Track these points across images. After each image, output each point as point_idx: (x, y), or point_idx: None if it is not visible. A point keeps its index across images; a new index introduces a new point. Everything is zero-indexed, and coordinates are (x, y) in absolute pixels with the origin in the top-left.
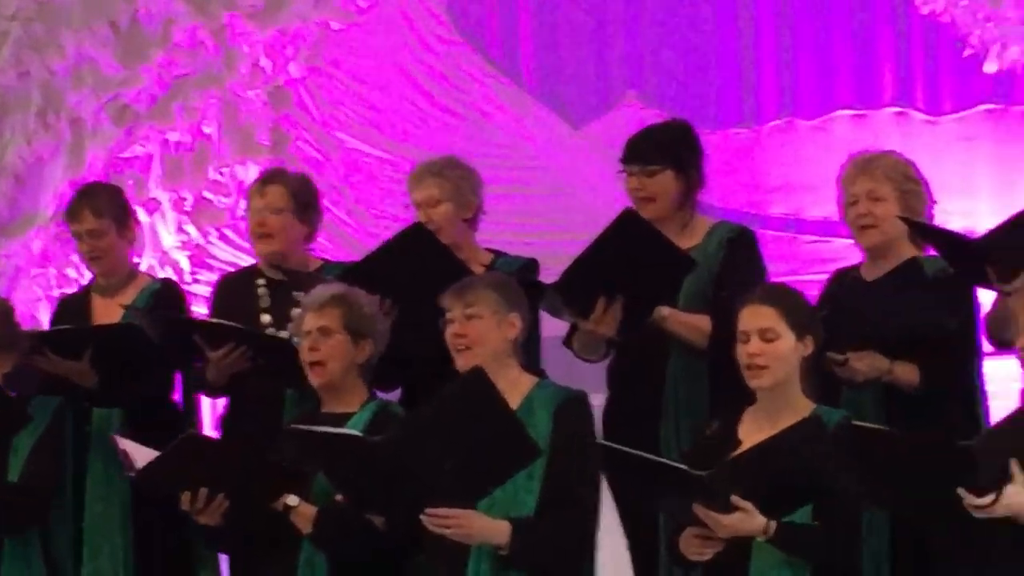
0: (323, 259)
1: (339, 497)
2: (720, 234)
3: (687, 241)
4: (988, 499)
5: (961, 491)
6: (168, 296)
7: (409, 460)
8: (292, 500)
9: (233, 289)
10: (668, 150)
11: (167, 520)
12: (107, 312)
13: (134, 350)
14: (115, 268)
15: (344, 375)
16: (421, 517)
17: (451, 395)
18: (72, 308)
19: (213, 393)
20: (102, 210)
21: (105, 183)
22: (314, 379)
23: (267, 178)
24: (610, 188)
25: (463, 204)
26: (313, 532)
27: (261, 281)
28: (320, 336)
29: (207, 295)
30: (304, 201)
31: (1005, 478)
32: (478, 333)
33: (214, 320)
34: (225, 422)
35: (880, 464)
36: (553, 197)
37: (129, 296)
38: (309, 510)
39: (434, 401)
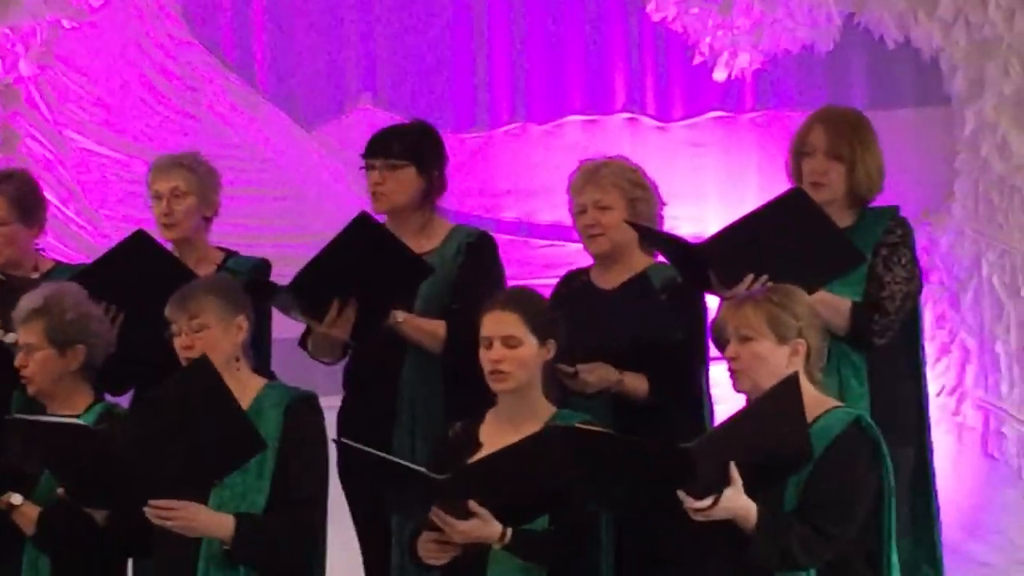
0: (55, 260)
1: (60, 491)
2: (459, 238)
3: (426, 244)
4: (707, 502)
5: (681, 494)
6: None
7: (131, 449)
8: (16, 499)
9: None
10: (412, 147)
11: None
12: None
13: None
14: None
15: (56, 384)
16: (145, 510)
17: (175, 384)
18: None
19: None
20: None
21: None
22: (29, 390)
23: None
24: (343, 191)
25: (206, 201)
26: (36, 533)
27: None
28: (27, 351)
29: None
30: (27, 206)
31: (724, 481)
32: (206, 343)
33: None
34: None
35: (603, 467)
36: (286, 199)
37: None
38: (32, 510)
39: (158, 390)
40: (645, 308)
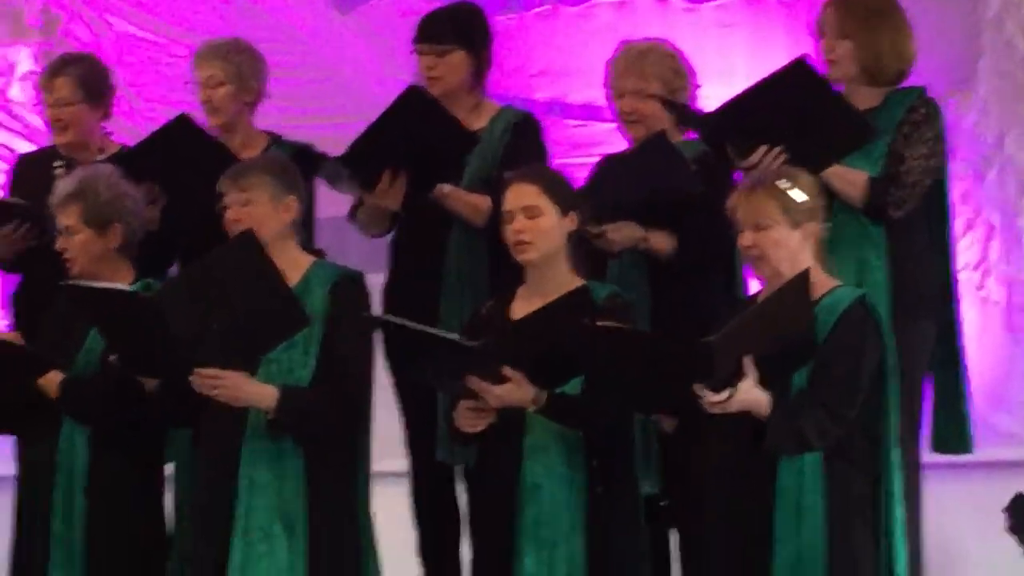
0: (121, 144)
1: (111, 357)
2: (506, 118)
3: (474, 123)
4: (724, 395)
5: (697, 387)
6: None
7: (177, 317)
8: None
9: (31, 168)
10: (460, 30)
11: None
12: None
13: None
14: None
15: (98, 264)
16: (191, 378)
17: (220, 255)
18: None
19: (5, 269)
20: None
21: None
22: (71, 271)
23: (54, 69)
24: (378, 73)
25: (244, 88)
26: (60, 397)
27: (59, 163)
28: (67, 234)
29: None
30: (94, 88)
31: (738, 374)
32: (255, 218)
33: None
34: (15, 299)
35: (621, 360)
36: (321, 81)
37: None
38: (56, 376)
39: (203, 260)
40: (664, 163)
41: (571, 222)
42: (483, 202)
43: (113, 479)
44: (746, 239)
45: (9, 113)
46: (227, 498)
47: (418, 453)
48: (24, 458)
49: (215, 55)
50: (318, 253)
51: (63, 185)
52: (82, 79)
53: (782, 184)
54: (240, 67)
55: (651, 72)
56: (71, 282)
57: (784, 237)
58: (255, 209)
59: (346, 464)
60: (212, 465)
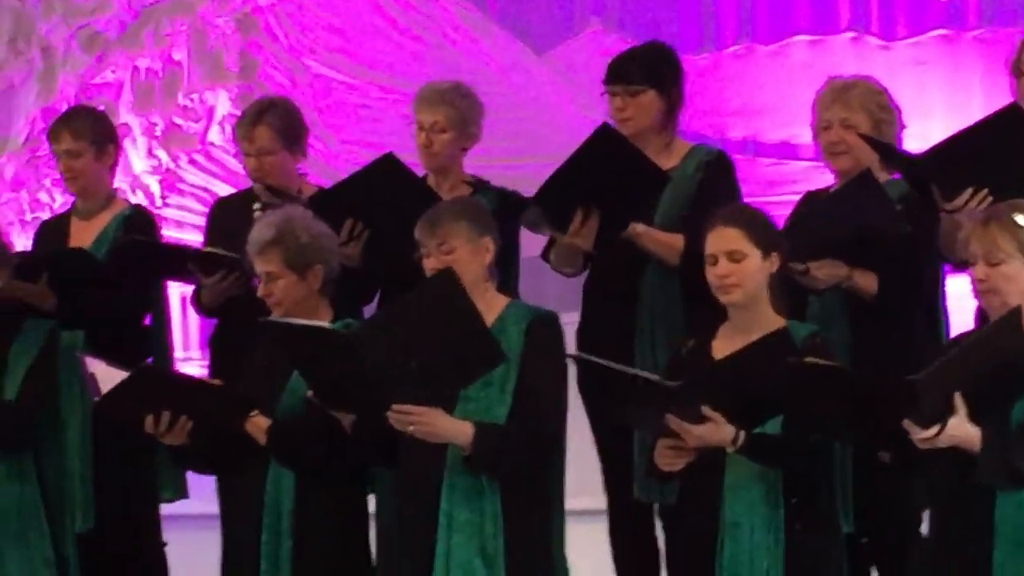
0: (318, 186)
1: (309, 393)
2: (698, 156)
3: (666, 162)
4: (933, 431)
5: (907, 423)
6: (138, 222)
7: (375, 353)
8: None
9: (229, 211)
10: (651, 70)
11: (131, 438)
12: (83, 235)
13: (91, 273)
14: (92, 191)
15: (302, 306)
16: (388, 414)
17: (421, 293)
18: (51, 231)
19: (207, 315)
20: (81, 132)
21: (91, 108)
22: (275, 313)
23: (252, 119)
24: (572, 113)
25: (464, 133)
26: (269, 442)
27: (257, 205)
28: (269, 280)
29: (177, 219)
30: (291, 134)
31: (948, 410)
32: (456, 265)
33: (207, 249)
34: (213, 343)
35: (826, 398)
36: (516, 122)
37: (104, 221)
38: (263, 421)
39: (404, 298)
40: (870, 202)
41: (773, 263)
42: (676, 241)
43: (319, 518)
44: (978, 272)
45: (208, 156)
46: (428, 534)
47: (615, 491)
48: (230, 498)
49: (440, 100)
50: (511, 294)
51: (259, 232)
52: (280, 127)
53: (1018, 219)
54: (463, 113)
55: (857, 104)
56: (270, 319)
57: (1016, 272)
58: (455, 257)
59: (542, 501)
60: (412, 501)
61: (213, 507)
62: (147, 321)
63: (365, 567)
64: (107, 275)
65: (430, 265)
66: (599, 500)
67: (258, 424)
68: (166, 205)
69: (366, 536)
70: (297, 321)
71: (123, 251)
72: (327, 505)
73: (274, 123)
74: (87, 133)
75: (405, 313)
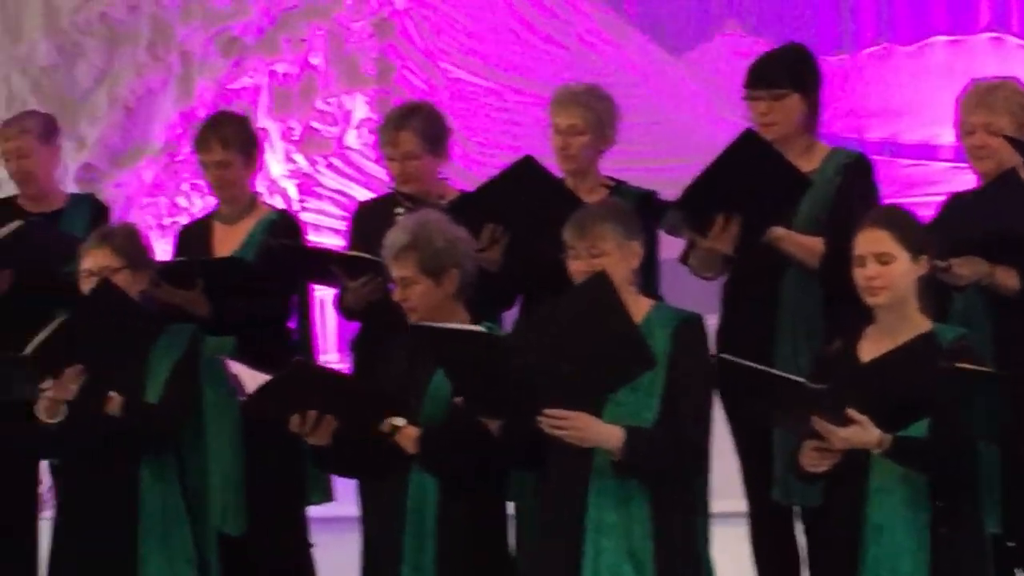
0: (460, 190)
1: (457, 400)
2: (837, 159)
3: (806, 165)
4: None
5: None
6: (285, 226)
7: (527, 358)
8: (399, 421)
9: (372, 215)
10: (793, 74)
11: (280, 443)
12: (227, 240)
13: (244, 279)
14: (238, 197)
15: (438, 311)
16: (538, 418)
17: (572, 297)
18: (194, 236)
19: (350, 318)
20: (230, 141)
21: (236, 114)
22: (411, 319)
23: (397, 123)
24: (709, 115)
25: (601, 136)
26: (418, 452)
27: (400, 209)
28: (404, 285)
29: (315, 222)
30: (434, 138)
31: None
32: (605, 268)
33: (352, 253)
34: (356, 345)
35: (980, 401)
36: (653, 124)
37: (248, 225)
38: (413, 431)
39: (555, 302)
40: (1013, 201)
41: (922, 266)
42: (817, 244)
43: (462, 522)
44: None
45: (345, 160)
46: (575, 539)
47: (755, 493)
48: (371, 501)
49: (576, 103)
50: (656, 297)
51: (394, 237)
52: (424, 132)
53: None
54: (600, 115)
55: (1001, 107)
56: (420, 323)
57: None
58: (604, 260)
59: (689, 504)
60: (558, 506)
61: (351, 510)
62: (292, 324)
63: (507, 571)
64: (259, 281)
65: (577, 268)
66: (739, 503)
67: (408, 434)
68: (303, 209)
69: (506, 540)
70: (448, 325)
71: (271, 255)
72: (470, 509)
73: (418, 127)
74: (235, 142)
75: (557, 317)
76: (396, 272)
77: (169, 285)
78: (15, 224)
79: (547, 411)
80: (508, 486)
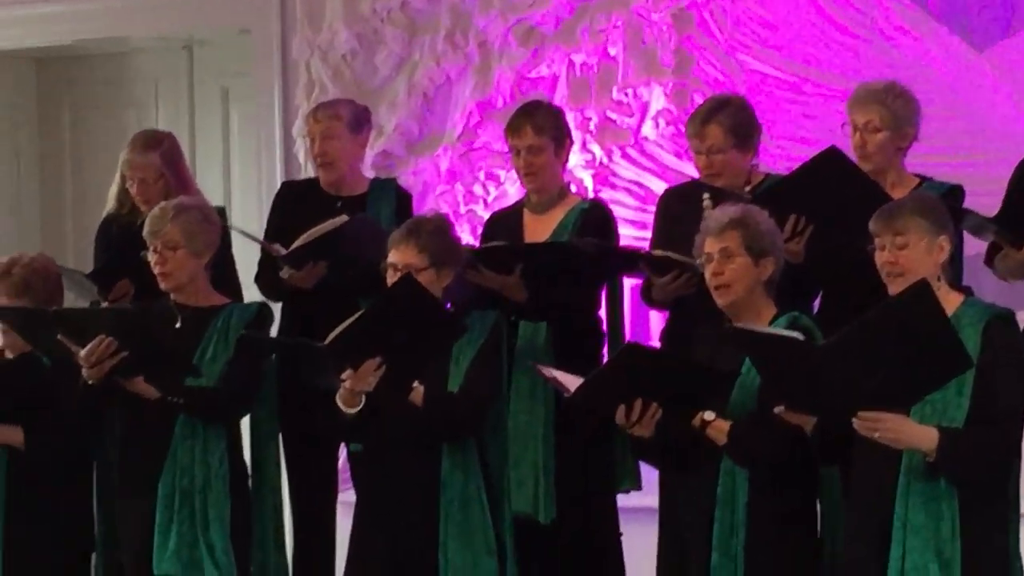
0: (766, 174)
1: (778, 409)
2: None
3: None
4: None
5: None
6: (597, 216)
7: (844, 365)
8: (708, 415)
9: (679, 199)
10: None
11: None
12: (538, 229)
13: (564, 267)
14: (548, 186)
15: (749, 294)
16: (853, 420)
17: (894, 306)
18: (504, 223)
19: (658, 308)
20: (543, 127)
21: (548, 103)
22: (720, 300)
23: (704, 117)
24: (1013, 110)
25: (899, 134)
26: (728, 444)
27: (707, 195)
28: (722, 259)
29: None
30: (743, 133)
31: None
32: (909, 261)
33: (660, 253)
34: (666, 334)
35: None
36: (954, 119)
37: (558, 215)
38: (723, 423)
39: (876, 311)
40: None
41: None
42: None
43: (772, 513)
44: None
45: (641, 151)
46: (881, 537)
47: None
48: (676, 491)
49: (873, 100)
50: (966, 291)
51: (720, 214)
52: (731, 126)
53: None
54: (897, 112)
55: None
56: (738, 326)
57: None
58: (911, 252)
59: (999, 503)
60: (865, 506)
61: (652, 501)
62: (602, 313)
63: (813, 564)
64: (582, 271)
65: (883, 259)
66: None
67: (719, 427)
68: (599, 199)
69: (815, 531)
70: (764, 329)
71: (583, 252)
72: (780, 500)
73: (725, 122)
74: (548, 128)
75: (876, 324)
76: (718, 244)
77: (488, 270)
78: (340, 219)
79: (862, 413)
80: (815, 483)
